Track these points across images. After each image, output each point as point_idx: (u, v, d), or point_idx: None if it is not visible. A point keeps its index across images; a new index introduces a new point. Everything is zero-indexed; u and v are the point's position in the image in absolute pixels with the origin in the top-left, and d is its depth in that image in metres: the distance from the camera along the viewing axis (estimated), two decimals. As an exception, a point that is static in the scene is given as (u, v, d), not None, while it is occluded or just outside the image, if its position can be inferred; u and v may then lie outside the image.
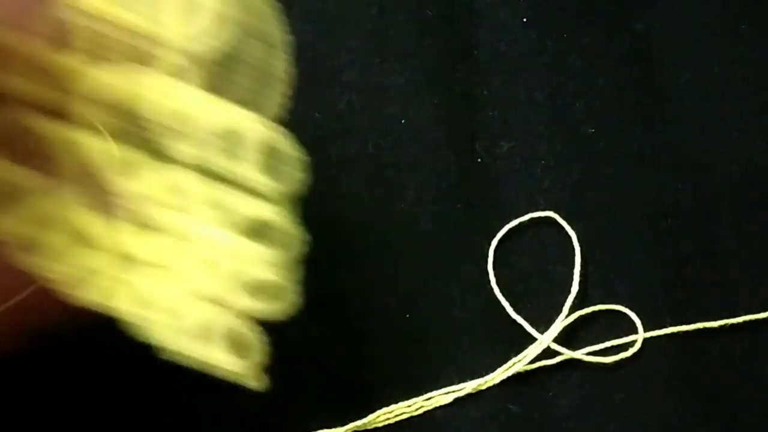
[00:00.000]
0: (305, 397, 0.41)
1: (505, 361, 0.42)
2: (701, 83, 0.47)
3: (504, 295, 0.43)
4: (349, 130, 0.45)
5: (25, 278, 0.32)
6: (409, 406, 0.41)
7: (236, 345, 0.33)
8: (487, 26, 0.48)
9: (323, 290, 0.41)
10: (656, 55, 0.47)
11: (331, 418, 0.41)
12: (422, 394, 0.41)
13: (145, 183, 0.33)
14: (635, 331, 0.42)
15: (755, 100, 0.46)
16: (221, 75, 0.33)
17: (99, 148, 0.32)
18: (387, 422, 0.41)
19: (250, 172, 0.33)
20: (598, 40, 0.48)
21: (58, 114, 0.32)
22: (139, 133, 0.32)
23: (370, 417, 0.41)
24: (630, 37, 0.48)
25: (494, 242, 0.44)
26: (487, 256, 0.44)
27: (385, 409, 0.41)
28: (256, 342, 0.33)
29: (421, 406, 0.41)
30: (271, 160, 0.32)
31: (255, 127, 0.33)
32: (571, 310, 0.42)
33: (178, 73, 0.32)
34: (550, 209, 0.44)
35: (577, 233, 0.43)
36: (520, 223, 0.44)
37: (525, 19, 0.48)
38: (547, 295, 0.43)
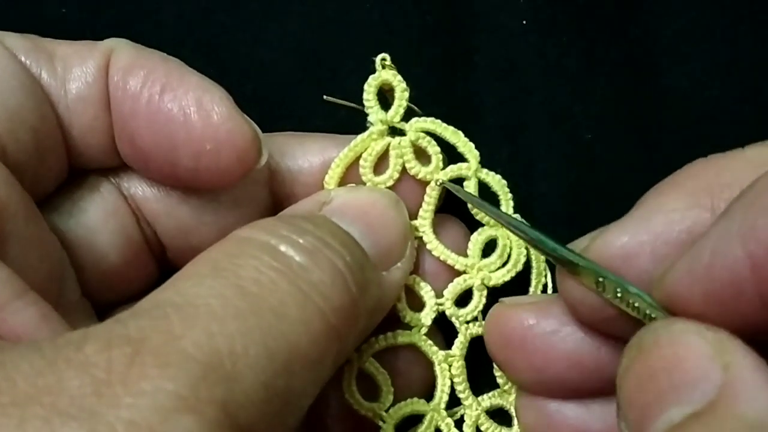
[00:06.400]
0: None
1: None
2: (699, 88, 0.47)
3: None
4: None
5: None
6: None
7: None
8: (486, 31, 0.48)
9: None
10: (655, 60, 0.48)
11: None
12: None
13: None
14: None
15: (754, 105, 0.46)
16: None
17: None
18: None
19: None
20: (597, 45, 0.48)
21: None
22: None
23: None
24: (628, 42, 0.48)
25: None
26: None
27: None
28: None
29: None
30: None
31: None
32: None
33: None
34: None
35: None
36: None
37: (525, 23, 0.48)
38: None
